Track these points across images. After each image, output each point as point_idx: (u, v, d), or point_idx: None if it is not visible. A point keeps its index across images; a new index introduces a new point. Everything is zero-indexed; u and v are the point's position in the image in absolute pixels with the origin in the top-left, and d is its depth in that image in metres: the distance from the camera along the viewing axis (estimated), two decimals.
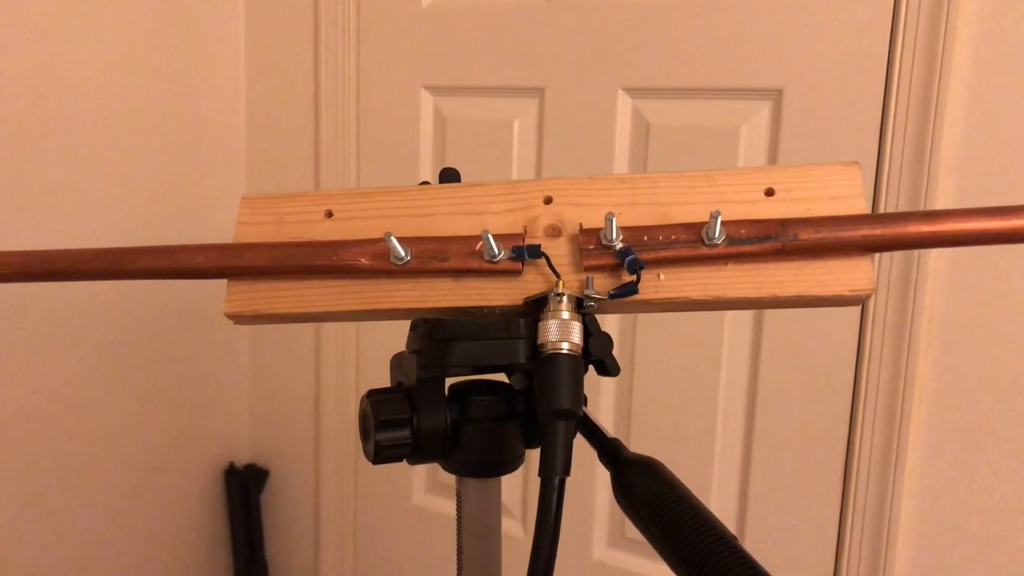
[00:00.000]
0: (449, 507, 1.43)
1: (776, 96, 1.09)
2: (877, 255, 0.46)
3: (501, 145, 1.30)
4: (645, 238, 0.46)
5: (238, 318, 0.49)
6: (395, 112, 1.39)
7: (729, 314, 1.17)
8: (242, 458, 1.60)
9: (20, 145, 1.16)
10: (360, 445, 1.48)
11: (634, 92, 1.19)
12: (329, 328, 1.49)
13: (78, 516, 1.30)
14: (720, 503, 1.20)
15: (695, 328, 1.18)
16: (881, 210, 1.01)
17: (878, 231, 0.44)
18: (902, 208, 1.00)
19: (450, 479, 1.42)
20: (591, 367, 0.46)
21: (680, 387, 1.20)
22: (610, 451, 0.45)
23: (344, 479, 1.52)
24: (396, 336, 1.44)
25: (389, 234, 0.46)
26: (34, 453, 1.23)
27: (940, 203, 0.98)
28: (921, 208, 0.98)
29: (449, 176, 0.56)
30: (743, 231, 0.45)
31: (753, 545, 1.17)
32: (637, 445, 1.24)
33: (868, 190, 1.03)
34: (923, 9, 0.98)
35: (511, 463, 0.49)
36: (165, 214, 1.39)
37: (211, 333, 1.50)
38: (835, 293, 0.44)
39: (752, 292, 0.45)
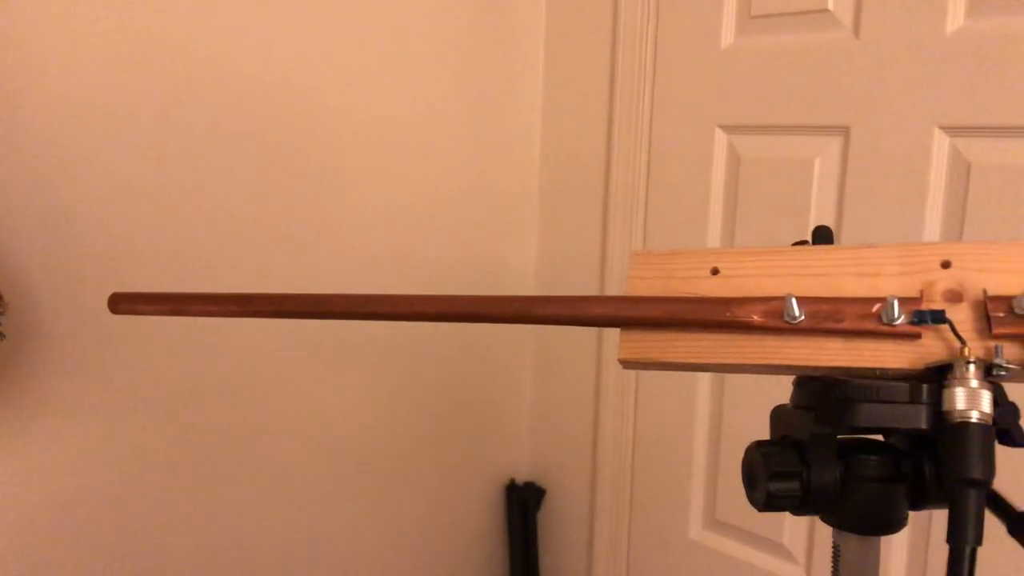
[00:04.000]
0: (725, 545, 1.43)
1: None
2: None
3: (799, 184, 1.29)
4: None
5: (630, 364, 0.54)
6: (687, 151, 1.42)
7: None
8: (522, 476, 1.69)
9: (348, 197, 1.32)
10: (633, 475, 1.52)
11: (952, 130, 1.14)
12: (609, 362, 1.54)
13: (368, 525, 1.45)
14: None
15: None
16: None
17: None
18: None
19: (727, 517, 1.41)
20: (999, 437, 0.46)
21: None
22: (1021, 525, 0.44)
23: (619, 506, 1.56)
24: (666, 372, 1.46)
25: (790, 295, 0.49)
26: (326, 468, 1.37)
27: None
28: None
29: (823, 234, 0.58)
30: None
31: None
32: None
33: None
34: None
35: (895, 524, 0.50)
36: (463, 249, 1.51)
37: (499, 364, 1.60)
38: None
39: None
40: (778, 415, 0.53)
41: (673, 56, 1.42)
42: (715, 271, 0.54)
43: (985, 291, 0.47)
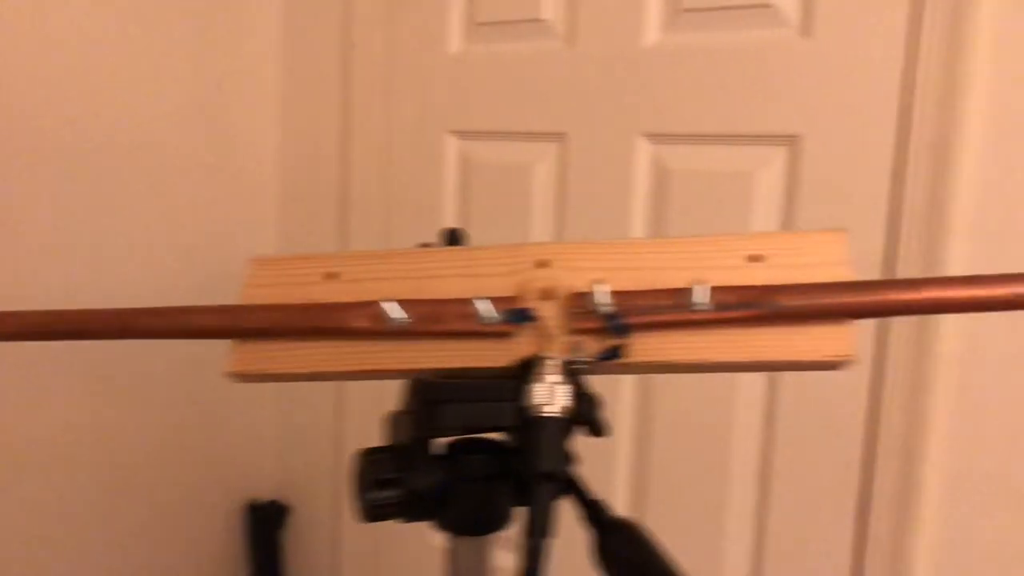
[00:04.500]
0: None
1: (793, 142, 1.10)
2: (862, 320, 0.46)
3: (524, 188, 1.32)
4: (633, 303, 0.47)
5: (241, 377, 0.51)
6: (422, 155, 1.42)
7: None
8: (264, 494, 1.62)
9: (46, 198, 1.21)
10: None
11: (654, 138, 1.21)
12: None
13: (96, 550, 1.33)
14: (734, 557, 1.19)
15: (709, 377, 1.18)
16: (897, 259, 1.01)
17: (859, 298, 0.44)
18: (916, 258, 0.99)
19: None
20: (582, 428, 0.47)
21: (695, 439, 1.20)
22: (592, 513, 0.45)
23: None
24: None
25: (383, 299, 0.48)
26: (53, 486, 1.25)
27: (955, 251, 0.98)
28: (935, 258, 0.98)
29: (453, 236, 0.58)
30: (728, 297, 0.46)
31: None
32: (654, 500, 1.24)
33: (880, 240, 1.03)
34: (936, 57, 0.98)
35: (501, 522, 0.50)
36: (193, 265, 1.42)
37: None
38: (816, 359, 0.45)
39: (736, 356, 0.46)
40: (392, 420, 0.52)
41: (405, 60, 1.42)
42: (332, 276, 0.53)
43: (572, 289, 0.49)
